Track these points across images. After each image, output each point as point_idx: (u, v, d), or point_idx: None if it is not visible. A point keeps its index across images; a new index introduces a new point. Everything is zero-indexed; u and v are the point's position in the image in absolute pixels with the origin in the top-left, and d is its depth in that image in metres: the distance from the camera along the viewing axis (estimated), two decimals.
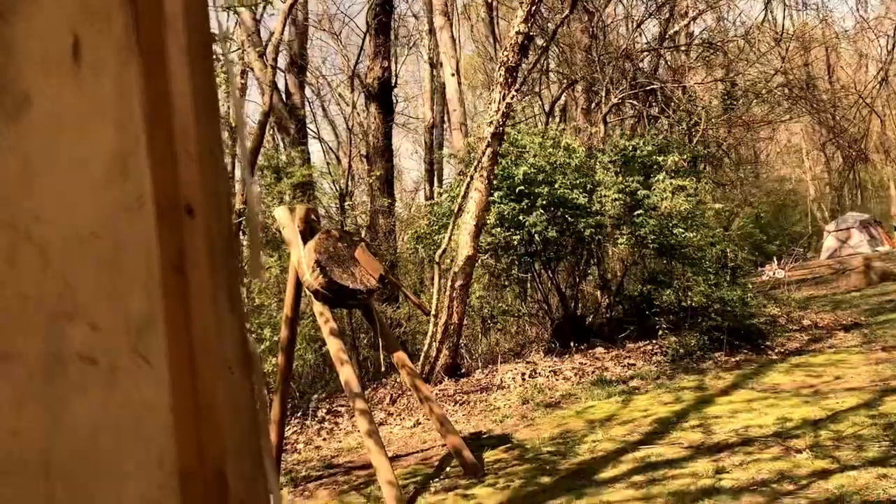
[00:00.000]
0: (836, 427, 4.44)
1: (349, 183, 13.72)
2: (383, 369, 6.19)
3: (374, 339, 8.04)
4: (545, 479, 4.29)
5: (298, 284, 4.98)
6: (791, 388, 5.99)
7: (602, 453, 4.72)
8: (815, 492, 3.35)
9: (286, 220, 5.07)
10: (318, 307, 4.79)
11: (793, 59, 15.96)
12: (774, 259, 21.58)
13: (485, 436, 5.82)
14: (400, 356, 4.97)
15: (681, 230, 8.85)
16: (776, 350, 8.05)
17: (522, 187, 8.67)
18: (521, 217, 8.66)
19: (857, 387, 5.61)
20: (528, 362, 8.19)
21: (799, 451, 4.02)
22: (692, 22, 17.55)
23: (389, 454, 5.64)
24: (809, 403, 5.26)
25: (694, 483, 3.72)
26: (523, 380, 7.49)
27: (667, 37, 16.65)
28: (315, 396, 8.44)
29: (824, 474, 3.57)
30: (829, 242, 32.29)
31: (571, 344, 8.86)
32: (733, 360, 7.68)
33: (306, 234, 4.96)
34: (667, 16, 16.50)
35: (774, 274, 19.53)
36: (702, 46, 16.46)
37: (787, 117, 19.08)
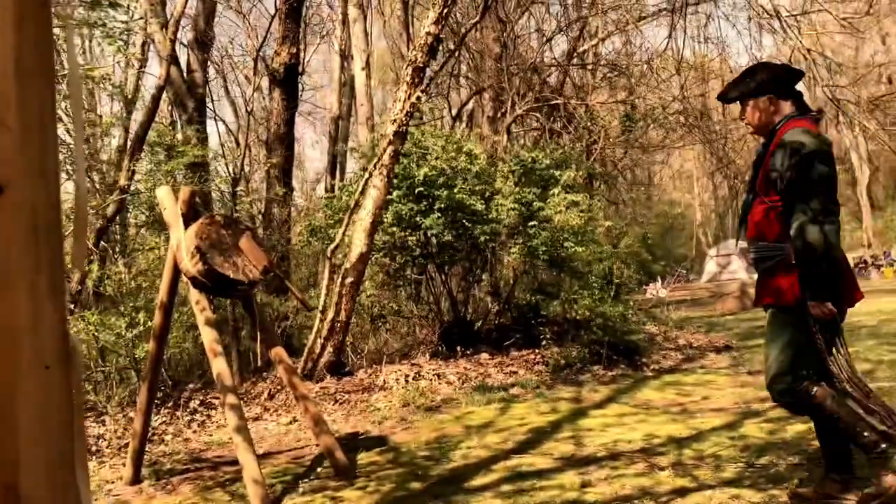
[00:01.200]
0: (698, 446, 4.62)
1: (245, 168, 13.34)
2: (259, 364, 6.01)
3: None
4: (416, 485, 4.27)
5: (176, 270, 4.77)
6: (662, 405, 6.21)
7: (475, 460, 4.74)
8: None
9: (168, 202, 4.85)
10: (194, 295, 4.60)
11: (691, 88, 16.68)
12: (658, 278, 22.48)
13: (361, 437, 5.75)
14: (278, 351, 4.83)
15: (571, 244, 9.05)
16: (651, 367, 8.35)
17: (422, 189, 8.64)
18: (418, 218, 8.63)
19: (722, 408, 5.87)
20: (413, 364, 8.17)
21: (662, 469, 4.15)
22: (600, 42, 18.07)
23: (262, 451, 5.49)
24: (677, 421, 5.47)
25: (560, 495, 3.77)
26: (407, 382, 7.46)
27: (575, 54, 17.06)
28: (191, 386, 8.13)
29: (683, 492, 3.69)
30: (711, 267, 34.03)
31: (458, 348, 8.90)
32: (610, 374, 7.91)
33: (189, 218, 4.75)
34: (576, 34, 16.91)
35: (657, 293, 20.36)
36: (607, 67, 16.97)
37: (681, 144, 19.93)
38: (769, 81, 3.25)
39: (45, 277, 0.80)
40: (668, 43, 14.46)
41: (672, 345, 9.90)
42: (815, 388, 3.13)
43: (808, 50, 10.00)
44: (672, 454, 4.47)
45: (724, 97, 3.51)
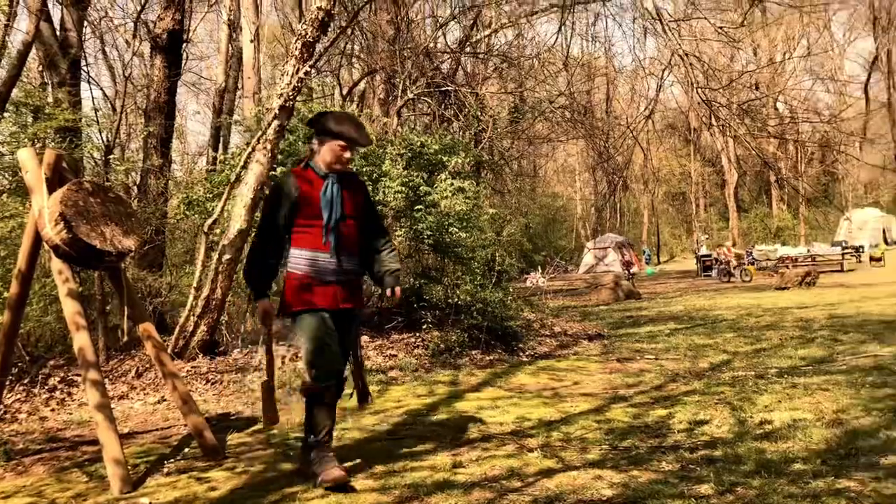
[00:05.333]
0: (566, 429, 4.77)
1: (121, 136, 12.66)
2: (125, 339, 5.73)
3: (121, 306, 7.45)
4: (287, 465, 4.19)
5: (37, 238, 4.46)
6: (535, 389, 6.39)
7: (350, 442, 4.71)
8: (538, 490, 3.55)
9: (31, 164, 4.52)
10: (56, 264, 4.32)
11: (577, 84, 17.16)
12: (539, 268, 23.08)
13: (233, 417, 5.60)
14: (146, 327, 4.61)
15: (456, 230, 9.12)
16: (527, 353, 8.56)
17: None
18: None
19: (591, 393, 6.10)
20: (290, 346, 8.02)
21: (531, 450, 4.26)
22: (493, 34, 18.27)
23: (126, 430, 5.25)
24: (548, 405, 5.63)
25: (431, 476, 3.80)
26: (283, 363, 7.31)
27: (468, 43, 17.18)
28: (51, 363, 7.66)
29: (549, 473, 3.80)
30: (588, 258, 35.29)
31: None
32: (488, 358, 8.06)
33: (54, 183, 4.45)
34: (470, 23, 17.02)
35: (537, 282, 20.90)
36: (498, 58, 17.19)
37: (565, 138, 20.48)
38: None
39: None
40: (557, 39, 14.80)
41: (548, 332, 10.19)
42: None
43: (686, 54, 10.48)
44: (541, 436, 4.60)
45: None
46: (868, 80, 52.99)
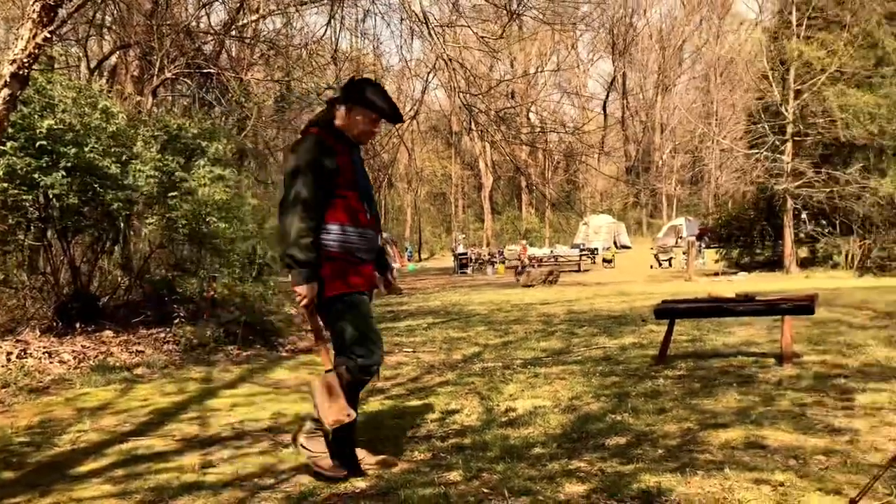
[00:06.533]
0: None
1: None
2: None
3: None
4: (8, 474, 3.73)
5: None
6: (293, 384, 6.29)
7: (85, 445, 4.31)
8: (291, 486, 3.49)
9: None
10: None
11: (345, 78, 17.17)
12: None
13: None
14: None
15: (214, 220, 8.73)
16: (287, 347, 8.42)
17: (45, 143, 7.65)
18: (37, 176, 7.61)
19: None
20: (18, 341, 7.19)
21: (286, 446, 4.18)
22: (261, 19, 17.75)
23: None
24: (306, 400, 5.55)
25: (178, 478, 3.59)
26: (9, 361, 6.54)
27: (234, 27, 16.53)
28: None
29: (304, 469, 3.75)
30: None
31: (77, 325, 8.06)
32: (245, 353, 7.80)
33: None
34: (237, 5, 16.39)
35: None
36: (265, 45, 16.74)
37: None
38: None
39: None
40: (326, 31, 14.73)
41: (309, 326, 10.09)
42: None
43: (450, 59, 10.91)
44: None
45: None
46: (607, 98, 59.06)
